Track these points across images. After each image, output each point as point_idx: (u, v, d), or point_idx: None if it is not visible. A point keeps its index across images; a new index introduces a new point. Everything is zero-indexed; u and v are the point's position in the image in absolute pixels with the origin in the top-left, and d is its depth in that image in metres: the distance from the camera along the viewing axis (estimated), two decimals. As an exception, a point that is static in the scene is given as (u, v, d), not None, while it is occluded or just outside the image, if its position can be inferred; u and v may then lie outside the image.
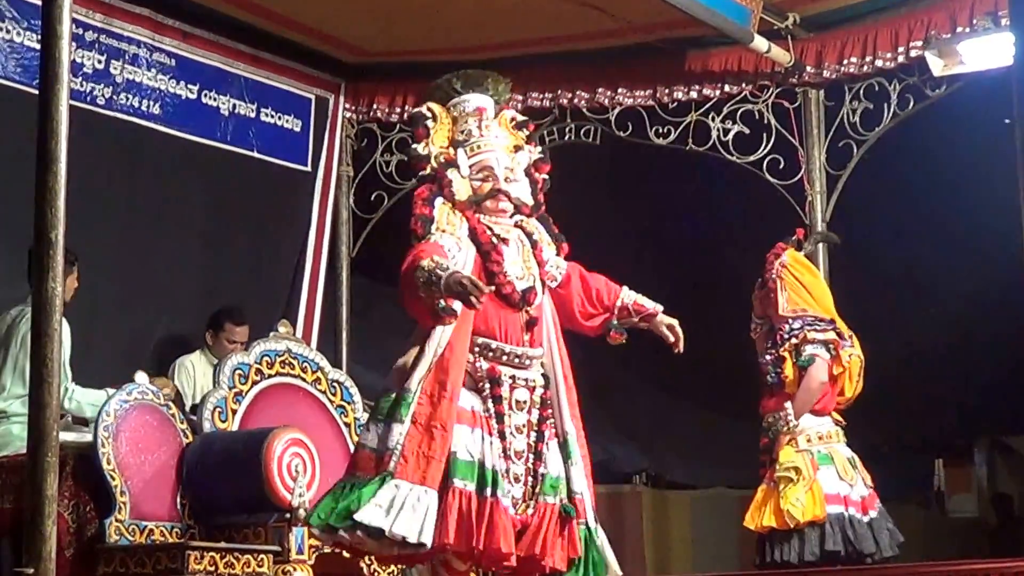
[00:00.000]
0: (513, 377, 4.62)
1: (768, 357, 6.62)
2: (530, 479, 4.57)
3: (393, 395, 4.54)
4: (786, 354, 6.54)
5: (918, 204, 10.21)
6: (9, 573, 5.34)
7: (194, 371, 7.33)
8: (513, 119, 4.84)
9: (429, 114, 4.74)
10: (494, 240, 4.62)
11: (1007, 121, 7.01)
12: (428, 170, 4.67)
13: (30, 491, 4.03)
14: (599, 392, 12.29)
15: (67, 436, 5.46)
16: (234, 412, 6.09)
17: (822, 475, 6.43)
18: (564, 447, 4.71)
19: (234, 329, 7.39)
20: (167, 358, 7.52)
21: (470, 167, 4.64)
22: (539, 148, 4.85)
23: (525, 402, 4.61)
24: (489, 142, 4.69)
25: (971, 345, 11.92)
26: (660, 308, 4.94)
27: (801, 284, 6.70)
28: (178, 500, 5.88)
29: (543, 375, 4.70)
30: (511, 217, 4.72)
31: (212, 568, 5.47)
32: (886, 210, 10.24)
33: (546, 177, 4.83)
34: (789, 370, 6.53)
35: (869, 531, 6.49)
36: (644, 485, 11.91)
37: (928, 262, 10.83)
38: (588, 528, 4.67)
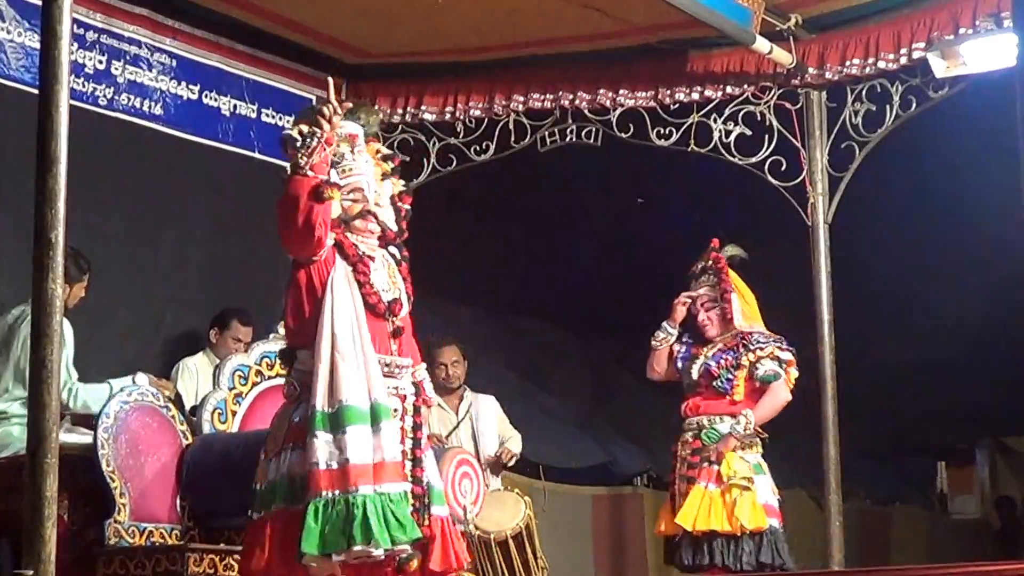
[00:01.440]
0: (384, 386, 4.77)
1: (721, 362, 6.72)
2: (417, 489, 4.73)
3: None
4: (747, 363, 6.65)
5: (920, 206, 10.20)
6: (9, 575, 5.33)
7: (197, 373, 7.32)
8: (378, 151, 5.06)
9: (299, 137, 4.77)
10: (360, 254, 4.85)
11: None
12: None
13: (30, 493, 4.03)
14: (600, 394, 12.34)
15: (67, 438, 5.45)
16: (234, 414, 6.09)
17: (758, 484, 6.58)
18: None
19: (240, 328, 7.39)
20: (169, 358, 7.51)
21: (342, 187, 4.82)
22: (403, 181, 5.10)
23: (397, 410, 4.76)
24: (360, 167, 4.91)
25: (973, 348, 11.92)
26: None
27: (743, 297, 6.84)
28: (178, 502, 5.88)
29: (413, 384, 4.89)
30: (377, 238, 4.95)
31: (212, 570, 5.46)
32: (888, 212, 10.23)
33: (408, 208, 5.08)
34: (742, 380, 6.64)
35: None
36: (645, 487, 11.90)
37: (930, 264, 10.82)
38: None
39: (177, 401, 6.26)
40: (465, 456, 6.17)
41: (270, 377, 6.25)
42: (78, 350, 6.20)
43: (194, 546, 5.58)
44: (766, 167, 7.98)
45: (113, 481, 5.64)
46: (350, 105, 4.80)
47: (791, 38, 7.87)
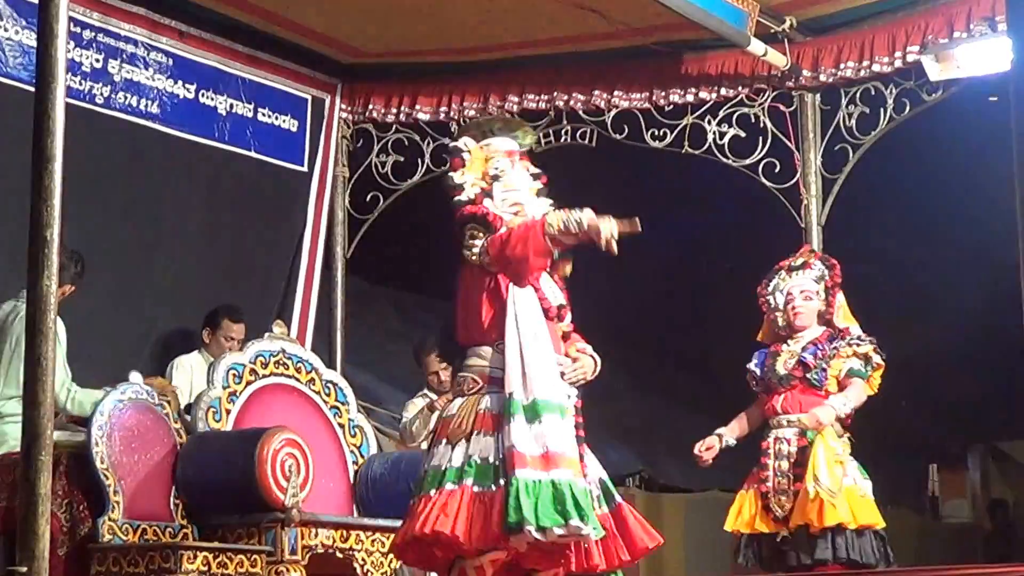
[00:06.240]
0: None
1: (817, 354, 6.66)
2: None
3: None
4: (845, 356, 6.66)
5: (914, 209, 10.22)
6: (2, 572, 5.34)
7: (192, 371, 7.31)
8: (527, 168, 5.23)
9: (465, 148, 5.12)
10: None
11: (992, 98, 7.06)
12: (463, 197, 5.05)
13: (24, 490, 4.03)
14: (593, 394, 12.34)
15: (61, 435, 5.46)
16: (228, 412, 6.09)
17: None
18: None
19: (231, 326, 7.38)
20: (164, 357, 7.51)
21: (503, 200, 5.06)
22: (549, 200, 5.19)
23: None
24: (519, 181, 5.13)
25: (965, 351, 11.93)
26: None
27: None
28: (171, 500, 5.88)
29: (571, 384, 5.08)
30: None
31: (205, 568, 5.47)
32: (882, 215, 10.25)
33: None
34: (832, 374, 6.67)
35: None
36: (638, 488, 11.91)
37: (923, 267, 10.85)
38: None
39: (173, 399, 6.24)
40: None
41: (265, 376, 6.26)
42: (71, 349, 6.21)
43: (187, 544, 5.59)
44: (760, 169, 7.99)
45: (107, 478, 5.65)
46: None
47: (786, 40, 7.88)
